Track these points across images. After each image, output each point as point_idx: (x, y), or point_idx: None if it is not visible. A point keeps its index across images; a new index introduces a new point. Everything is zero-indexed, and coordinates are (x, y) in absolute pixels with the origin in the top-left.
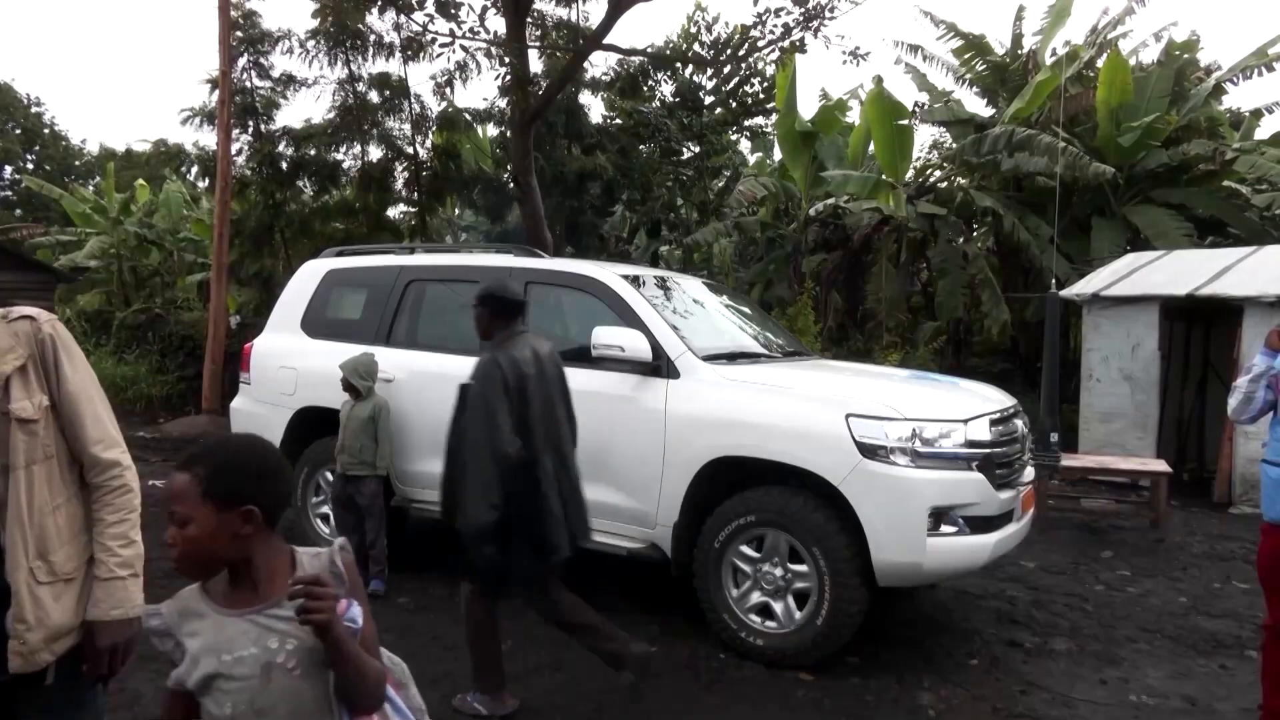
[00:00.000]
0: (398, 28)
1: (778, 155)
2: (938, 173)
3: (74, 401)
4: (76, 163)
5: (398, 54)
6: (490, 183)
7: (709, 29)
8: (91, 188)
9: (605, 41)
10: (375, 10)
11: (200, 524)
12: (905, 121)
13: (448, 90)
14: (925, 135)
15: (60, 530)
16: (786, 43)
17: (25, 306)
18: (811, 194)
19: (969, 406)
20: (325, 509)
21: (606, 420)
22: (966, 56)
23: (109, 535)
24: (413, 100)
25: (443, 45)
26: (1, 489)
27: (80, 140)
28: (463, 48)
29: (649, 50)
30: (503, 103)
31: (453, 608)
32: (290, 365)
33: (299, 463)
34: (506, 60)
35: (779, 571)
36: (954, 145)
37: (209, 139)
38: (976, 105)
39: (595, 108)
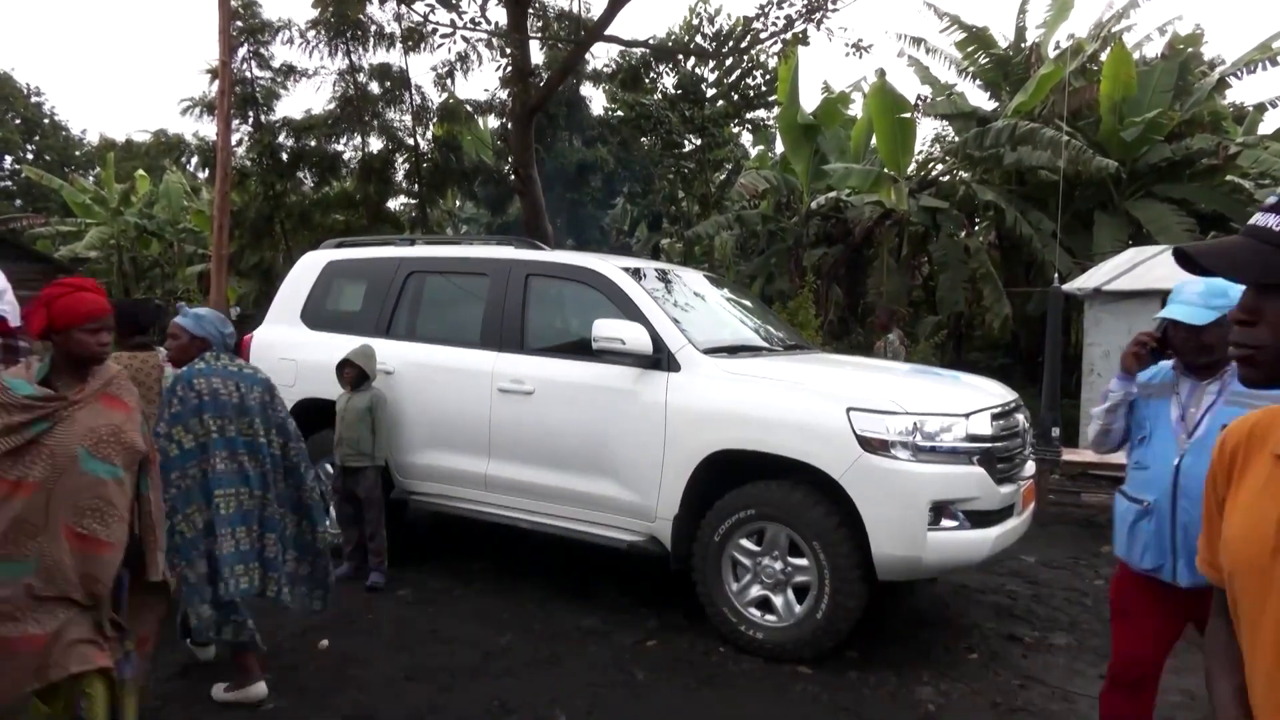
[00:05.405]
0: (398, 18)
1: (779, 148)
2: (940, 166)
3: None
4: (76, 153)
5: (398, 45)
6: (491, 174)
7: (711, 21)
8: (91, 178)
9: (607, 33)
10: (376, 0)
11: None
12: (907, 115)
13: (448, 81)
14: (927, 129)
15: None
16: (789, 35)
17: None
18: (813, 187)
19: (970, 401)
20: None
21: (607, 413)
22: (969, 50)
23: None
24: (413, 91)
25: (444, 36)
26: None
27: (80, 130)
28: (464, 39)
29: (651, 42)
30: (504, 94)
31: (451, 601)
32: (290, 357)
33: None
34: (508, 52)
35: (778, 565)
36: (956, 139)
37: (209, 129)
38: (979, 99)
39: (597, 100)
